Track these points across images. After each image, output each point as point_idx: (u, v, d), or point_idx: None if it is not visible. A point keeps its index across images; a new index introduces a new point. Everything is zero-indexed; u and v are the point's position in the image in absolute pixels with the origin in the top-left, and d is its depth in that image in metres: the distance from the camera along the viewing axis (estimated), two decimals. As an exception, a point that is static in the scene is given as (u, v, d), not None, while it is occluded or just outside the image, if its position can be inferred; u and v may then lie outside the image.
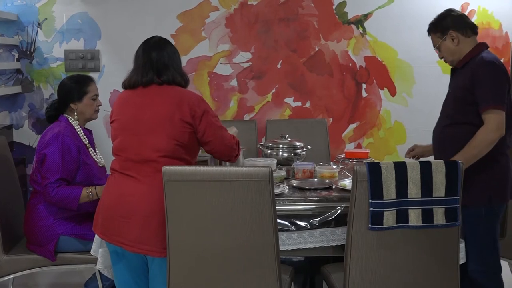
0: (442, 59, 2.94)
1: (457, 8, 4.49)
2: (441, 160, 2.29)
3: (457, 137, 2.68)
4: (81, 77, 3.18)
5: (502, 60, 4.57)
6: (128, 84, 2.56)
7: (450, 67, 2.93)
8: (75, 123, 3.09)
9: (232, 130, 2.83)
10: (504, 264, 3.08)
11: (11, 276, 3.02)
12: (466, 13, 4.49)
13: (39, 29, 4.44)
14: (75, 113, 3.10)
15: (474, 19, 4.53)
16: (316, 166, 3.25)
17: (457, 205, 2.29)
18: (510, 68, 4.67)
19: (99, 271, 2.87)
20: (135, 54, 2.58)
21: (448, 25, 2.80)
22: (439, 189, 2.27)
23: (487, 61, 2.67)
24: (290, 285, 2.59)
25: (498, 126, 2.56)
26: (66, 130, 3.01)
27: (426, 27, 4.47)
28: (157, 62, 2.51)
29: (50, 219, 3.00)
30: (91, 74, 4.32)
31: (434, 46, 2.92)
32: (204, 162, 3.07)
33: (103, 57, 4.49)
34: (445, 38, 2.81)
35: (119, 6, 4.44)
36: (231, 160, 2.71)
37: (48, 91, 4.46)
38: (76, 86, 3.10)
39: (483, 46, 2.80)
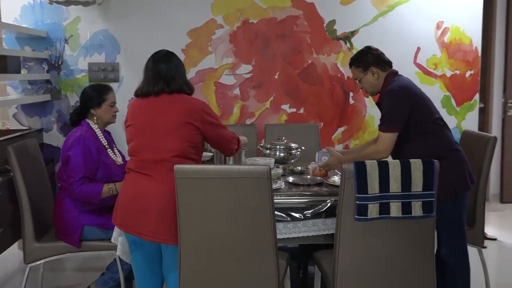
0: (362, 89, 2.96)
1: (433, 25, 4.52)
2: (419, 160, 2.29)
3: (400, 147, 2.73)
4: (101, 86, 3.17)
5: (472, 72, 4.59)
6: (141, 93, 2.56)
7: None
8: (95, 127, 3.09)
9: (242, 138, 2.82)
10: (473, 250, 3.08)
11: (42, 261, 3.02)
12: (441, 30, 4.53)
13: (66, 44, 4.44)
14: (95, 118, 3.10)
15: (447, 35, 4.55)
16: (309, 165, 3.25)
17: (432, 199, 2.30)
18: (479, 78, 4.67)
19: (118, 256, 2.88)
20: (145, 66, 2.58)
21: (370, 61, 2.82)
22: (417, 185, 2.28)
23: (387, 90, 2.74)
24: (286, 269, 2.59)
25: (385, 147, 2.67)
26: (87, 133, 3.00)
27: (405, 43, 4.54)
28: (166, 74, 2.51)
29: (75, 212, 3.00)
30: (112, 84, 4.30)
31: (355, 79, 2.94)
32: (210, 161, 3.07)
33: (122, 69, 4.49)
34: (367, 73, 2.84)
35: (136, 24, 4.44)
36: (233, 153, 2.71)
37: (74, 99, 4.46)
38: (96, 94, 3.10)
39: (391, 74, 2.83)
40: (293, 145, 3.43)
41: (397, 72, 2.86)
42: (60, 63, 4.45)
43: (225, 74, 4.55)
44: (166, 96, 2.49)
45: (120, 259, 2.93)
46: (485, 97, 5.69)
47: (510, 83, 5.59)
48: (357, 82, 2.93)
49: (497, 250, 4.33)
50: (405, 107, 2.66)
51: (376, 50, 2.87)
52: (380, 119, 2.74)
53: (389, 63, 2.86)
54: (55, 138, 4.48)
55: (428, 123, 2.70)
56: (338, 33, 4.54)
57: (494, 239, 4.50)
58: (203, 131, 2.47)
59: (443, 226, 2.61)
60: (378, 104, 2.87)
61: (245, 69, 4.55)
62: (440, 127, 2.74)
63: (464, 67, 4.61)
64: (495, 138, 3.08)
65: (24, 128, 4.42)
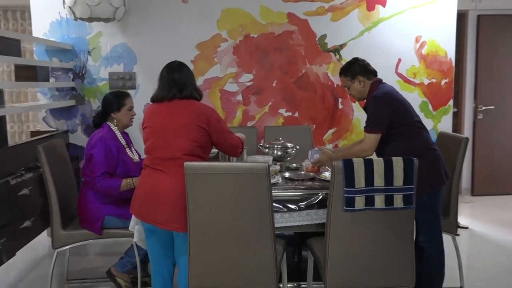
0: (350, 96, 2.97)
1: (412, 39, 4.53)
2: (401, 158, 2.29)
3: (384, 146, 2.75)
4: (120, 93, 3.17)
5: (446, 80, 4.60)
6: (156, 99, 2.56)
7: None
8: (115, 129, 3.09)
9: (240, 135, 2.83)
10: (448, 237, 3.09)
11: (68, 246, 3.03)
12: (419, 44, 4.54)
13: (89, 56, 4.45)
14: (115, 121, 3.10)
15: (425, 48, 4.55)
16: (303, 162, 3.26)
17: (412, 192, 2.30)
18: (453, 86, 4.68)
19: (135, 243, 2.88)
20: (160, 75, 2.57)
21: (357, 71, 2.83)
22: (398, 180, 2.28)
23: (372, 96, 2.75)
24: (283, 254, 2.59)
25: (370, 147, 2.68)
26: (108, 134, 3.01)
27: (387, 55, 4.54)
28: (178, 81, 2.51)
29: (97, 203, 3.01)
30: (129, 91, 4.33)
31: (344, 87, 2.94)
32: (215, 158, 3.07)
33: (139, 78, 4.49)
34: (354, 81, 2.84)
35: (151, 38, 4.44)
36: (237, 155, 2.71)
37: (96, 104, 4.47)
38: (116, 100, 3.10)
39: (376, 82, 2.84)
40: (289, 144, 3.43)
41: (381, 80, 2.86)
42: (83, 72, 4.45)
43: (229, 82, 4.55)
44: (178, 101, 2.49)
45: (136, 245, 2.93)
46: (458, 103, 5.71)
47: (480, 91, 5.62)
48: (346, 89, 2.93)
49: (469, 237, 4.34)
50: (387, 112, 2.67)
51: (363, 61, 2.88)
52: (366, 122, 2.74)
53: (374, 72, 2.87)
54: (79, 138, 4.49)
55: (408, 125, 2.71)
56: (329, 46, 4.54)
57: (466, 228, 4.53)
58: (210, 133, 2.48)
59: (420, 216, 2.61)
60: (365, 108, 2.87)
61: (246, 78, 4.55)
62: (419, 129, 2.74)
63: (439, 76, 4.62)
64: (467, 139, 3.08)
65: (52, 129, 4.42)
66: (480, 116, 5.63)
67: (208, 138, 2.49)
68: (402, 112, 2.70)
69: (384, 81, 2.88)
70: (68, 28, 4.39)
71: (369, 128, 2.70)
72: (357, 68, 2.83)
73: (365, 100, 2.89)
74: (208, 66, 4.51)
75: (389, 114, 2.66)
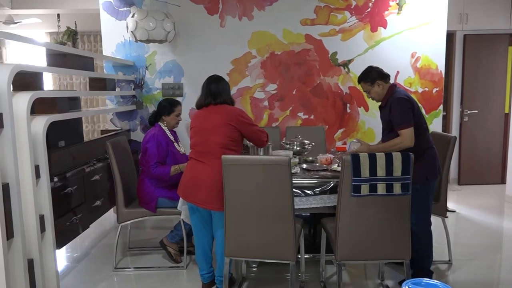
0: (370, 98, 2.81)
1: (409, 54, 4.42)
2: (399, 153, 2.23)
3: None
4: (173, 101, 3.17)
5: (437, 89, 4.47)
6: (197, 105, 2.59)
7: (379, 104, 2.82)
8: (165, 128, 3.12)
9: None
10: (438, 219, 3.01)
11: (129, 221, 3.08)
12: (414, 58, 4.42)
13: (146, 70, 4.49)
14: (165, 122, 3.13)
15: (419, 62, 4.43)
16: (317, 156, 3.21)
17: (409, 181, 2.25)
18: (443, 93, 4.54)
19: (182, 219, 2.90)
20: (202, 86, 2.60)
21: (375, 76, 2.70)
22: (397, 171, 2.22)
23: (396, 99, 2.60)
24: (301, 230, 2.56)
25: (407, 139, 2.50)
26: (159, 132, 3.04)
27: (388, 68, 4.41)
28: (214, 91, 2.52)
29: (152, 187, 3.04)
30: (178, 98, 4.37)
31: (365, 91, 2.78)
32: (246, 151, 3.05)
33: (185, 87, 4.51)
34: (374, 85, 2.71)
35: (195, 56, 4.45)
36: (263, 145, 2.67)
37: (151, 109, 4.50)
38: (168, 106, 3.12)
39: (393, 86, 2.71)
40: (306, 141, 3.39)
41: (396, 84, 2.76)
42: (142, 83, 4.50)
43: (257, 91, 4.52)
44: (213, 106, 2.51)
45: (183, 221, 2.95)
46: (447, 107, 5.57)
47: (466, 97, 5.48)
48: (367, 93, 2.77)
49: (455, 219, 4.21)
50: (410, 109, 2.55)
51: (377, 67, 2.75)
52: (395, 122, 2.57)
53: (388, 76, 2.74)
54: (138, 136, 4.54)
55: (418, 126, 2.59)
56: (339, 61, 4.46)
57: (454, 211, 4.42)
58: (240, 129, 2.47)
59: (412, 201, 2.54)
60: (381, 107, 2.76)
61: (271, 87, 4.52)
62: (424, 130, 2.63)
63: (431, 85, 4.49)
64: (455, 137, 2.99)
65: (117, 128, 4.49)
66: (465, 119, 5.49)
67: (239, 133, 2.49)
68: (415, 113, 2.60)
69: None
70: (130, 48, 4.45)
71: (402, 125, 2.53)
72: (375, 74, 2.70)
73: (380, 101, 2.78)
74: (240, 78, 4.50)
75: (411, 111, 2.56)
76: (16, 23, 5.54)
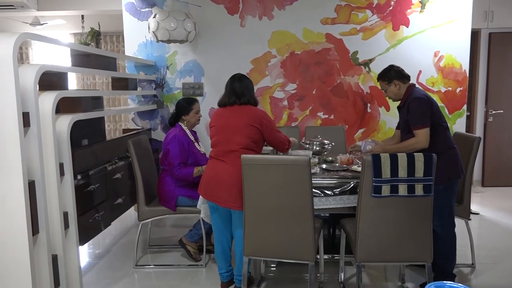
0: (387, 97, 2.78)
1: (431, 54, 4.32)
2: (421, 153, 2.19)
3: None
4: (189, 99, 3.20)
5: (461, 88, 4.36)
6: (221, 104, 2.58)
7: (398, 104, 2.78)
8: (185, 128, 3.13)
9: (292, 139, 2.78)
10: (461, 221, 2.94)
11: (150, 219, 3.11)
12: (437, 57, 4.32)
13: (167, 70, 4.53)
14: (185, 122, 3.14)
15: (442, 61, 4.34)
16: (337, 156, 3.18)
17: (431, 183, 2.20)
18: (467, 93, 4.43)
19: (202, 218, 2.91)
20: (226, 85, 2.59)
21: (393, 76, 2.67)
22: (419, 172, 2.18)
23: (413, 98, 2.56)
24: (320, 230, 2.54)
25: (422, 139, 2.47)
26: (180, 133, 3.05)
27: (410, 67, 4.34)
28: (238, 91, 2.51)
29: (172, 186, 3.06)
30: (198, 98, 4.40)
31: (381, 89, 2.77)
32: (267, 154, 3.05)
33: (206, 87, 4.53)
34: (391, 85, 2.68)
35: (215, 56, 4.47)
36: (284, 151, 2.68)
37: (172, 108, 4.54)
38: (186, 105, 3.14)
39: (412, 86, 2.67)
40: (325, 141, 3.36)
41: (415, 84, 2.72)
42: (163, 83, 4.55)
43: (277, 90, 4.51)
44: (237, 106, 2.50)
45: (202, 220, 2.97)
46: (471, 107, 5.44)
47: (491, 97, 5.34)
48: (384, 92, 2.76)
49: (479, 221, 4.11)
50: (429, 109, 2.51)
51: (398, 67, 2.72)
52: (412, 121, 2.53)
53: (408, 77, 2.70)
54: (159, 135, 4.59)
55: (436, 125, 2.54)
56: (360, 60, 4.41)
57: (477, 214, 4.32)
58: (262, 131, 2.46)
59: (435, 203, 2.48)
60: (399, 108, 2.73)
61: (291, 87, 4.50)
62: (444, 129, 2.58)
63: (455, 85, 4.38)
64: (479, 138, 2.91)
65: (139, 127, 4.54)
66: (490, 119, 5.35)
67: (261, 136, 2.47)
68: (434, 112, 2.54)
69: None
70: (151, 48, 4.49)
71: (418, 125, 2.49)
72: (393, 74, 2.68)
73: (398, 101, 2.75)
74: (260, 77, 4.49)
75: (430, 112, 2.51)
76: (42, 24, 5.68)
